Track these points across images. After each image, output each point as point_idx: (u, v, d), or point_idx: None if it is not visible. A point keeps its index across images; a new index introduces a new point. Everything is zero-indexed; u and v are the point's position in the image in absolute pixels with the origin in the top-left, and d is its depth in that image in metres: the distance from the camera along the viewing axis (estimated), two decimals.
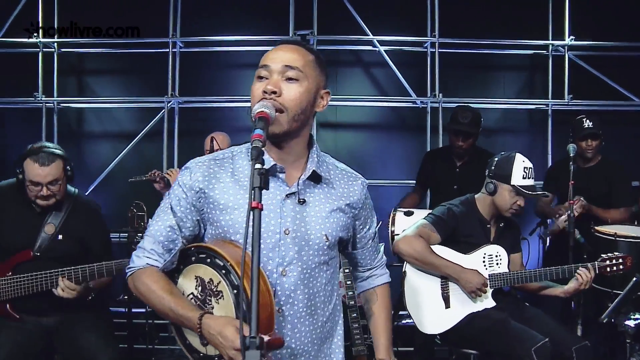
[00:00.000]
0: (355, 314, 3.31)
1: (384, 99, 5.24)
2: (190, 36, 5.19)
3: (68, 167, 2.95)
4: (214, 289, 1.58)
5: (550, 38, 5.11)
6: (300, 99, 1.60)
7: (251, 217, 1.30)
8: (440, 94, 4.90)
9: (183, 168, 1.71)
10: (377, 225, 1.96)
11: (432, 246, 3.02)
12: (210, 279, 1.58)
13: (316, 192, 1.70)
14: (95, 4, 5.29)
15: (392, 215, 3.71)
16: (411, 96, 5.00)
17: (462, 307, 3.04)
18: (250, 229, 1.29)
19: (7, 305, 2.87)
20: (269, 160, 1.63)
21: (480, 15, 5.12)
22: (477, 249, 3.07)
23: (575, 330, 3.32)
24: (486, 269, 3.06)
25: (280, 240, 1.63)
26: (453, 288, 3.05)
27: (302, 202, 1.66)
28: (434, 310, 3.05)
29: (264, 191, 1.60)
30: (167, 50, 5.14)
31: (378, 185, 4.99)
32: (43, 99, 5.27)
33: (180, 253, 1.68)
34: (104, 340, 2.97)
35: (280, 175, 1.66)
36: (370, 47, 5.12)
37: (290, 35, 4.90)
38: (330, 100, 4.89)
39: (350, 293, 3.36)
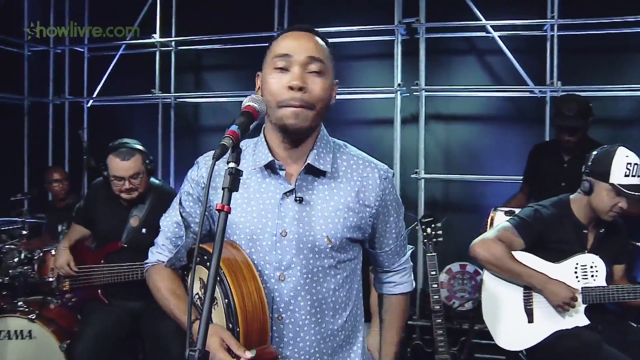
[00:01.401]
0: (439, 320, 3.10)
1: (499, 88, 4.87)
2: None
3: (147, 160, 3.08)
4: (218, 294, 1.50)
5: None
6: (325, 95, 1.50)
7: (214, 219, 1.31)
8: (559, 82, 4.46)
9: (194, 163, 1.66)
10: (401, 224, 1.74)
11: (514, 252, 2.70)
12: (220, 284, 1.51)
13: (319, 189, 1.55)
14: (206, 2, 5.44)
15: (491, 215, 3.41)
16: (528, 85, 4.60)
17: (548, 322, 2.69)
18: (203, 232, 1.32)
19: (99, 291, 3.08)
20: (268, 156, 1.53)
21: None
22: (568, 257, 2.71)
23: None
24: (578, 280, 2.68)
25: (277, 242, 1.51)
26: (538, 300, 2.71)
27: (299, 200, 1.52)
28: (515, 324, 2.73)
29: (262, 190, 1.53)
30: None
31: (491, 182, 4.67)
32: (160, 94, 5.54)
33: (191, 251, 1.63)
34: (179, 331, 3.06)
35: (281, 172, 1.53)
36: (483, 33, 4.78)
37: (396, 24, 4.71)
38: (441, 91, 4.72)
39: (435, 297, 3.15)
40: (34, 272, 3.79)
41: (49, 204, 5.08)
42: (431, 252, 3.21)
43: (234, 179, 1.27)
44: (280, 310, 1.52)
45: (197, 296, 1.60)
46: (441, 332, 3.09)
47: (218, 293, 1.45)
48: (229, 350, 1.39)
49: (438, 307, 3.14)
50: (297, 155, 1.55)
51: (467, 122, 5.10)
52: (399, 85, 4.71)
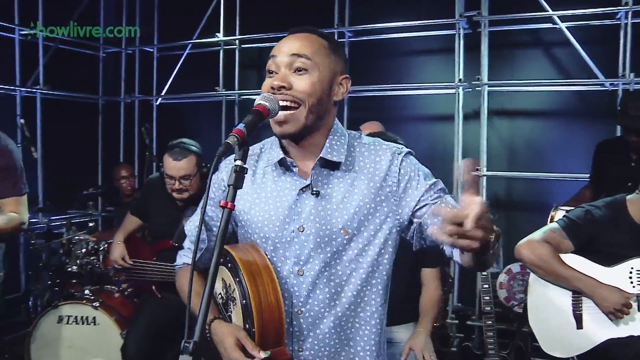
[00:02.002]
0: (490, 321, 3.00)
1: (566, 82, 4.65)
2: (355, 25, 5.13)
3: (203, 163, 3.08)
4: (231, 295, 1.53)
5: None
6: (313, 90, 1.46)
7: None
8: (632, 74, 4.21)
9: None
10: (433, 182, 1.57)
11: (563, 255, 2.55)
12: (230, 284, 1.54)
13: (335, 182, 1.53)
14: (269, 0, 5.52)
15: (551, 214, 3.26)
16: (598, 78, 4.38)
17: (599, 330, 2.51)
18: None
19: (153, 286, 3.18)
20: (279, 154, 1.53)
21: None
22: (623, 261, 2.52)
23: None
24: (633, 286, 2.49)
25: (295, 238, 1.51)
26: (588, 305, 2.54)
27: (316, 194, 1.50)
28: (563, 330, 2.57)
29: (279, 187, 1.53)
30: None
31: (557, 180, 4.48)
32: (224, 92, 5.67)
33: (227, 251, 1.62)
34: None
35: (294, 168, 1.53)
36: (549, 25, 4.59)
37: (457, 18, 4.60)
38: (505, 86, 4.57)
39: (486, 298, 3.05)
40: (99, 263, 3.97)
41: (118, 199, 5.32)
42: None
43: (238, 177, 1.28)
44: (300, 304, 1.53)
45: (219, 296, 1.63)
46: (491, 334, 3.00)
47: (237, 294, 1.48)
48: (244, 350, 1.41)
49: (489, 308, 3.05)
50: (309, 150, 1.54)
51: (532, 117, 4.93)
52: (460, 80, 4.60)
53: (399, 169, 1.54)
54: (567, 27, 4.42)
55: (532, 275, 2.66)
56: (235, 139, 1.28)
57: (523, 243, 2.62)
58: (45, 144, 5.42)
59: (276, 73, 1.48)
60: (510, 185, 4.87)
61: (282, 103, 1.43)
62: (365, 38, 5.23)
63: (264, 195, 1.56)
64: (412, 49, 5.08)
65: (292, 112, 1.45)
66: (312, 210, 1.51)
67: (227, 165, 1.65)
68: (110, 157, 6.20)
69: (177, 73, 6.00)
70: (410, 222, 1.55)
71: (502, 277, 4.11)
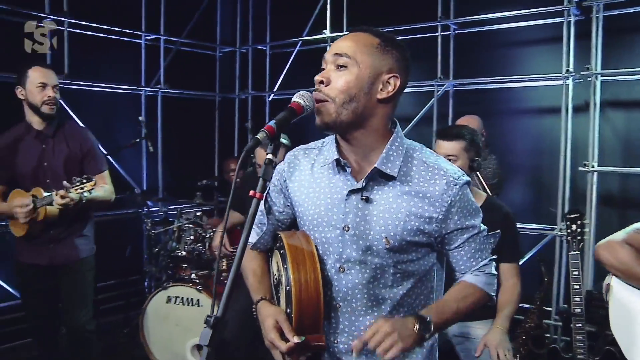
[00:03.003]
0: (580, 324, 2.85)
1: None
2: (462, 16, 5.03)
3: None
4: (280, 279, 1.63)
5: None
6: (346, 87, 1.51)
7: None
8: None
9: None
10: (476, 230, 1.63)
11: None
12: (279, 268, 1.64)
13: (385, 190, 1.56)
14: None
15: None
16: None
17: None
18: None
19: None
20: (334, 154, 1.60)
21: None
22: None
23: None
24: None
25: (339, 236, 1.57)
26: None
27: (365, 199, 1.55)
28: None
29: (332, 185, 1.61)
30: (437, 33, 5.10)
31: None
32: None
33: (275, 236, 1.75)
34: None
35: (347, 169, 1.58)
36: None
37: (565, 4, 4.36)
38: (621, 75, 4.27)
39: (577, 299, 2.90)
40: (205, 250, 4.27)
41: (229, 191, 5.63)
42: (574, 251, 2.98)
43: (267, 170, 1.38)
44: (339, 299, 1.60)
45: (274, 277, 1.75)
46: (581, 337, 2.86)
47: (284, 279, 1.59)
48: (281, 333, 1.51)
49: (579, 310, 2.90)
50: (362, 153, 1.60)
51: None
52: (568, 71, 4.37)
53: (450, 200, 1.56)
54: None
55: (613, 278, 2.51)
56: (265, 135, 1.38)
57: (602, 244, 2.46)
58: (165, 139, 5.90)
59: (324, 69, 1.58)
60: (625, 181, 4.53)
61: (316, 98, 1.53)
62: (469, 30, 5.11)
63: (318, 191, 1.64)
64: (517, 39, 4.88)
65: (323, 104, 1.53)
66: (359, 213, 1.57)
67: (290, 156, 1.77)
68: (225, 150, 6.59)
69: (288, 69, 6.24)
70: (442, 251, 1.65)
71: (609, 279, 3.87)
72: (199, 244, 4.28)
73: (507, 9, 4.73)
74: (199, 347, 3.99)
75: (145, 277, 5.16)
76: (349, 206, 1.58)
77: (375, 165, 1.56)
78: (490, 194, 3.64)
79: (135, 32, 5.69)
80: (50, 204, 3.10)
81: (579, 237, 3.01)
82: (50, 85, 3.24)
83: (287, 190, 1.73)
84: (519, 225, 4.55)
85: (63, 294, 3.42)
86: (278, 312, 1.58)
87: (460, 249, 1.63)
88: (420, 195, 1.55)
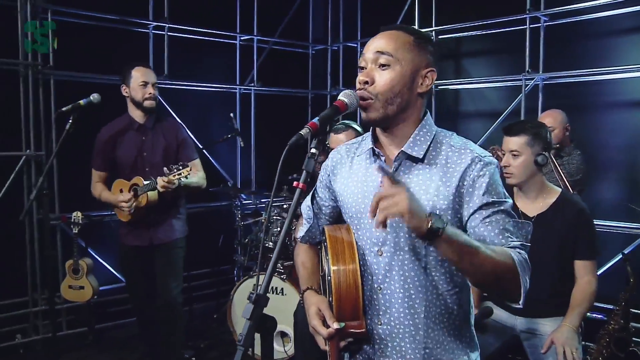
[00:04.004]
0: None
1: None
2: (551, 7, 4.88)
3: None
4: (325, 270, 1.74)
5: None
6: (392, 84, 1.60)
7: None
8: None
9: None
10: (503, 209, 1.57)
11: None
12: (323, 260, 1.75)
13: (415, 173, 1.64)
14: None
15: None
16: None
17: None
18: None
19: None
20: (369, 143, 1.72)
21: None
22: None
23: None
24: None
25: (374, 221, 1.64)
26: None
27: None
28: None
29: (369, 173, 1.72)
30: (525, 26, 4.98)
31: None
32: None
33: (323, 229, 1.83)
34: None
35: (382, 157, 1.68)
36: None
37: None
38: None
39: None
40: (291, 241, 4.46)
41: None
42: None
43: (309, 162, 1.49)
44: (379, 281, 1.69)
45: (322, 269, 1.87)
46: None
47: (326, 270, 1.72)
48: (323, 320, 1.65)
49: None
50: (397, 139, 1.69)
51: None
52: None
53: (475, 175, 1.59)
54: None
55: None
56: (308, 131, 1.50)
57: None
58: (258, 134, 6.20)
59: (365, 69, 1.66)
60: None
61: (361, 96, 1.62)
62: (560, 21, 4.94)
63: (356, 179, 1.76)
64: (609, 29, 4.65)
65: (369, 101, 1.62)
66: None
67: (334, 153, 1.89)
68: None
69: None
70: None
71: None
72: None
73: None
74: (282, 334, 4.20)
75: (235, 267, 5.45)
76: None
77: (402, 149, 1.65)
78: (571, 190, 3.56)
79: (230, 34, 6.01)
80: (152, 190, 3.50)
81: None
82: (150, 83, 3.67)
83: (331, 184, 1.85)
84: (608, 223, 4.45)
85: (157, 269, 3.79)
86: (321, 300, 1.71)
87: (486, 224, 1.56)
88: (448, 174, 1.61)
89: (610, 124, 4.74)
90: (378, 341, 1.72)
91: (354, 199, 1.75)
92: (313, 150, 1.52)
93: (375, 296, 1.71)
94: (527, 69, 4.95)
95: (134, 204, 3.59)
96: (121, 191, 3.73)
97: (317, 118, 1.53)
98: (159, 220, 3.77)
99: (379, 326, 1.71)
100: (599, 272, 4.44)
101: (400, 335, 1.68)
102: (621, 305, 3.45)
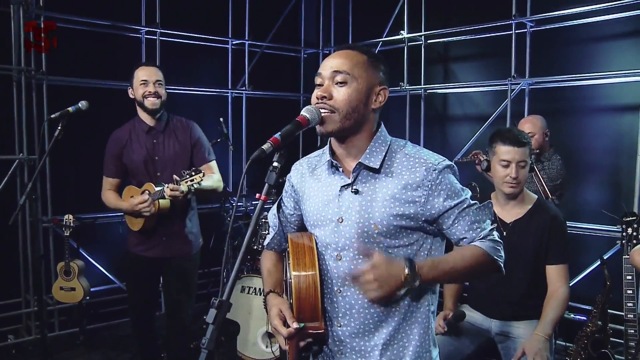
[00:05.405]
0: (632, 330, 2.82)
1: None
2: (538, 13, 4.95)
3: None
4: (287, 274, 1.84)
5: None
6: (349, 99, 1.69)
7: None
8: None
9: None
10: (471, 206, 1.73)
11: None
12: (286, 265, 1.84)
13: (372, 182, 1.74)
14: None
15: None
16: None
17: None
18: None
19: None
20: (327, 156, 1.82)
21: None
22: None
23: None
24: None
25: (335, 227, 1.76)
26: None
27: (355, 192, 1.74)
28: None
29: (328, 183, 1.82)
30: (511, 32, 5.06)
31: None
32: (408, 87, 5.92)
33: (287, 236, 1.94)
34: None
35: (339, 168, 1.77)
36: None
37: None
38: None
39: (630, 304, 2.86)
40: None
41: None
42: (628, 255, 2.93)
43: (271, 175, 1.59)
44: (339, 284, 1.79)
45: (286, 273, 1.97)
46: (633, 344, 2.82)
47: (288, 274, 1.81)
48: (284, 320, 1.73)
49: (632, 315, 2.86)
50: (354, 151, 1.78)
51: None
52: None
53: (430, 184, 1.70)
54: None
55: None
56: (269, 145, 1.57)
57: (637, 249, 2.46)
58: (250, 138, 6.27)
59: (321, 85, 1.74)
60: None
61: (322, 111, 1.70)
62: (546, 27, 5.02)
63: (317, 189, 1.85)
64: (595, 34, 4.72)
65: (329, 114, 1.70)
66: (351, 205, 1.75)
67: (296, 165, 1.99)
68: (309, 149, 6.82)
69: None
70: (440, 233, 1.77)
71: None
72: None
73: (585, 3, 4.59)
74: (269, 335, 4.27)
75: (225, 269, 5.49)
76: (342, 200, 1.77)
77: (360, 160, 1.74)
78: (550, 195, 3.64)
79: (222, 39, 6.09)
80: (162, 197, 3.28)
81: (634, 241, 2.96)
82: (151, 81, 3.47)
83: (295, 194, 1.94)
84: (591, 226, 4.52)
85: (170, 285, 3.62)
86: (282, 302, 1.80)
87: (456, 224, 1.73)
88: (403, 182, 1.71)
89: (594, 128, 4.81)
90: (338, 342, 1.81)
91: (315, 207, 1.84)
92: (275, 164, 1.60)
93: (335, 299, 1.80)
94: (513, 73, 5.03)
95: (151, 205, 3.33)
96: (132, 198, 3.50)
97: (278, 133, 1.60)
98: (171, 230, 3.54)
99: (339, 328, 1.80)
100: (581, 275, 4.57)
101: (360, 335, 1.77)
102: (598, 307, 3.53)
